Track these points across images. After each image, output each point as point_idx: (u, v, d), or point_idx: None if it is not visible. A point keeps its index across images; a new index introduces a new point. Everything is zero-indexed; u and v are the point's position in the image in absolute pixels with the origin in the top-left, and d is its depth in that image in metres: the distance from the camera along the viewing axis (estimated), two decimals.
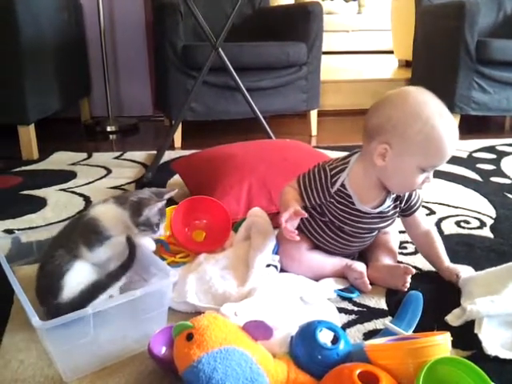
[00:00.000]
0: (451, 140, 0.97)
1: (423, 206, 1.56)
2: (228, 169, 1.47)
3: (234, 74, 2.01)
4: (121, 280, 0.93)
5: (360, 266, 1.10)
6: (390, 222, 1.14)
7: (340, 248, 1.15)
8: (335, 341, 0.80)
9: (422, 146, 0.97)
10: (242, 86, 2.03)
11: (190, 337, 0.76)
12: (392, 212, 1.12)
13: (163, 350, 0.81)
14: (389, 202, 1.09)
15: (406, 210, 1.13)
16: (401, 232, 1.30)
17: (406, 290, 1.06)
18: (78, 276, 0.92)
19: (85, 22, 2.98)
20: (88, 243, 0.94)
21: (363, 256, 1.20)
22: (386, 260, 1.16)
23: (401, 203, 1.12)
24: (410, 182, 1.02)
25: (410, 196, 1.12)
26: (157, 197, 0.99)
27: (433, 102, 0.98)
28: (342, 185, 1.07)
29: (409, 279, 1.06)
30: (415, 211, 1.14)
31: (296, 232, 1.02)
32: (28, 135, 2.15)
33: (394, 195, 1.10)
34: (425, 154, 0.98)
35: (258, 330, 0.79)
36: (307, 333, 0.81)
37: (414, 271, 1.07)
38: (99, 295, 0.90)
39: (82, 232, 0.95)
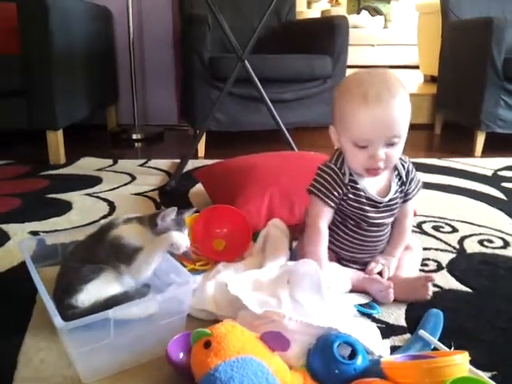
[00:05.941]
0: (364, 112, 0.97)
1: (446, 224, 1.55)
2: (250, 179, 1.48)
3: (259, 85, 2.03)
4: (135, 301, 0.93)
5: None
6: (396, 211, 1.14)
7: (355, 249, 1.14)
8: (353, 355, 0.80)
9: (343, 121, 1.02)
10: (266, 97, 2.04)
11: (207, 344, 0.77)
12: (399, 200, 1.12)
13: (181, 355, 0.81)
14: (395, 187, 1.11)
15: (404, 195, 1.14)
16: (424, 249, 1.29)
17: (429, 298, 1.06)
18: (100, 287, 0.93)
19: (114, 32, 3.06)
20: (123, 261, 0.97)
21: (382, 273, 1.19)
22: (407, 275, 1.14)
23: (405, 189, 1.13)
24: (356, 160, 1.05)
25: (410, 182, 1.13)
26: (177, 221, 1.03)
27: (360, 80, 1.01)
28: (350, 174, 1.09)
29: (431, 286, 1.07)
30: (408, 200, 1.15)
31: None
32: (56, 140, 2.20)
33: (397, 179, 1.11)
34: (346, 129, 1.02)
35: (275, 341, 0.79)
36: (325, 346, 0.81)
37: (434, 278, 1.08)
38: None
39: (112, 252, 0.98)
